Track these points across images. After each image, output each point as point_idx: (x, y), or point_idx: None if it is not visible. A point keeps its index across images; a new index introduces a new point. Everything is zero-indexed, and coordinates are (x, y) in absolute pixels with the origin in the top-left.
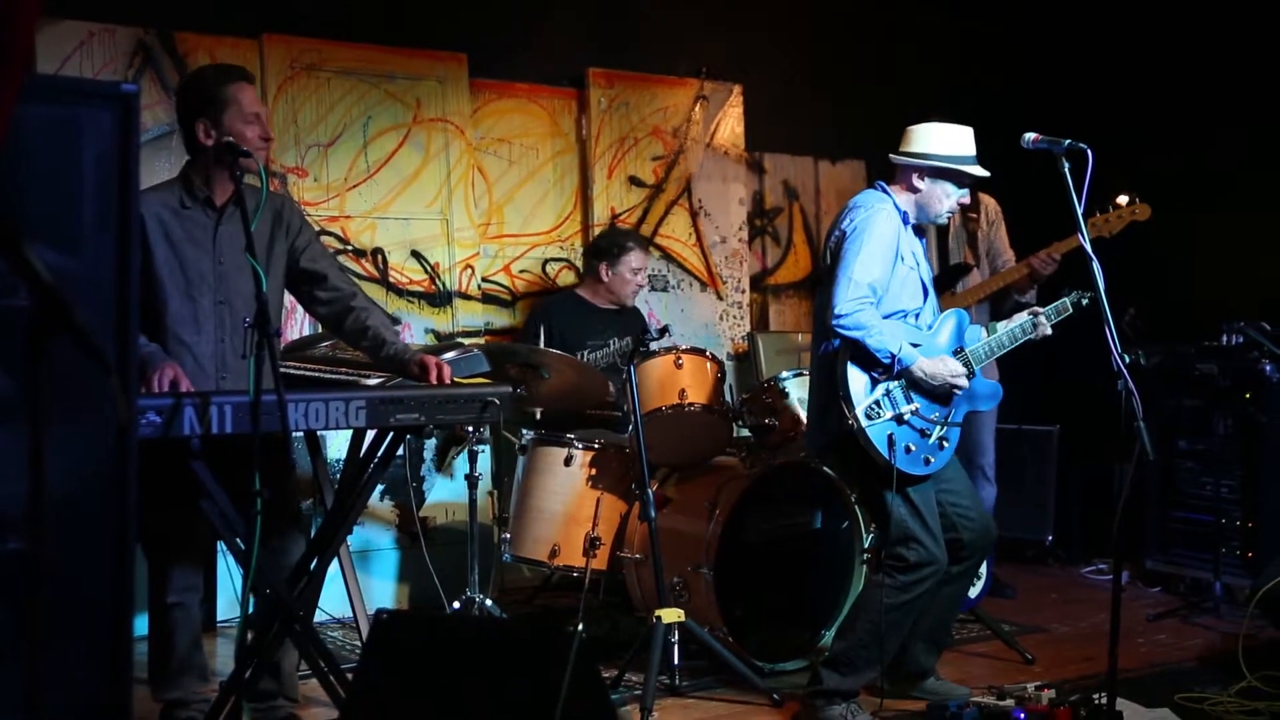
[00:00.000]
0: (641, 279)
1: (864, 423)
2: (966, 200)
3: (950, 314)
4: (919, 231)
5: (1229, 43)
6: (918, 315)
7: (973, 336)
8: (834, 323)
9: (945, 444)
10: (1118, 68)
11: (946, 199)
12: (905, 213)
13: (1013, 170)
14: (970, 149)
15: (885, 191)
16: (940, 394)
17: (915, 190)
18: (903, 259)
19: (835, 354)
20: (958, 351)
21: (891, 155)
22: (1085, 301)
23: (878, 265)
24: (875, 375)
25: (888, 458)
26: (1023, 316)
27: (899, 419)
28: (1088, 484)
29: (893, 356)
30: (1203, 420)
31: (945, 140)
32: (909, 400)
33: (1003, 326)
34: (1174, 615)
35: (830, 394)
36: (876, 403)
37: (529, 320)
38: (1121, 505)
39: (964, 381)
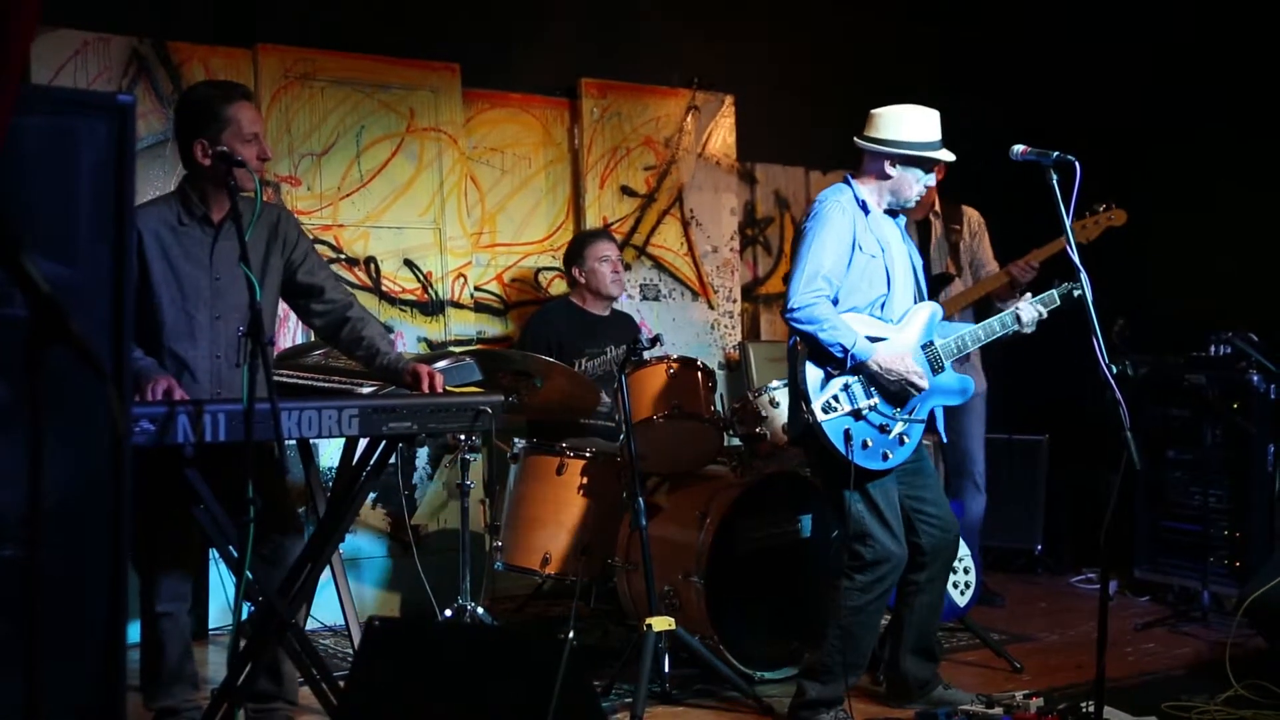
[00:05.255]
0: (614, 265)
1: (819, 416)
2: (933, 184)
3: (922, 306)
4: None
5: (1215, 55)
6: (883, 305)
7: (946, 331)
8: (787, 316)
9: (906, 440)
10: (1107, 81)
11: (917, 184)
12: (864, 201)
13: (995, 178)
14: (937, 133)
15: (848, 182)
16: (898, 392)
17: (886, 177)
18: (860, 248)
19: (797, 348)
20: (927, 345)
21: (856, 139)
22: (1077, 294)
23: (829, 257)
24: (830, 370)
25: (844, 453)
26: (1004, 313)
27: (856, 414)
28: (1076, 494)
29: (845, 351)
30: (1191, 430)
31: (913, 126)
32: (868, 395)
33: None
34: (1162, 624)
35: (795, 388)
36: (835, 397)
37: (530, 328)
38: (1110, 515)
39: (921, 381)
